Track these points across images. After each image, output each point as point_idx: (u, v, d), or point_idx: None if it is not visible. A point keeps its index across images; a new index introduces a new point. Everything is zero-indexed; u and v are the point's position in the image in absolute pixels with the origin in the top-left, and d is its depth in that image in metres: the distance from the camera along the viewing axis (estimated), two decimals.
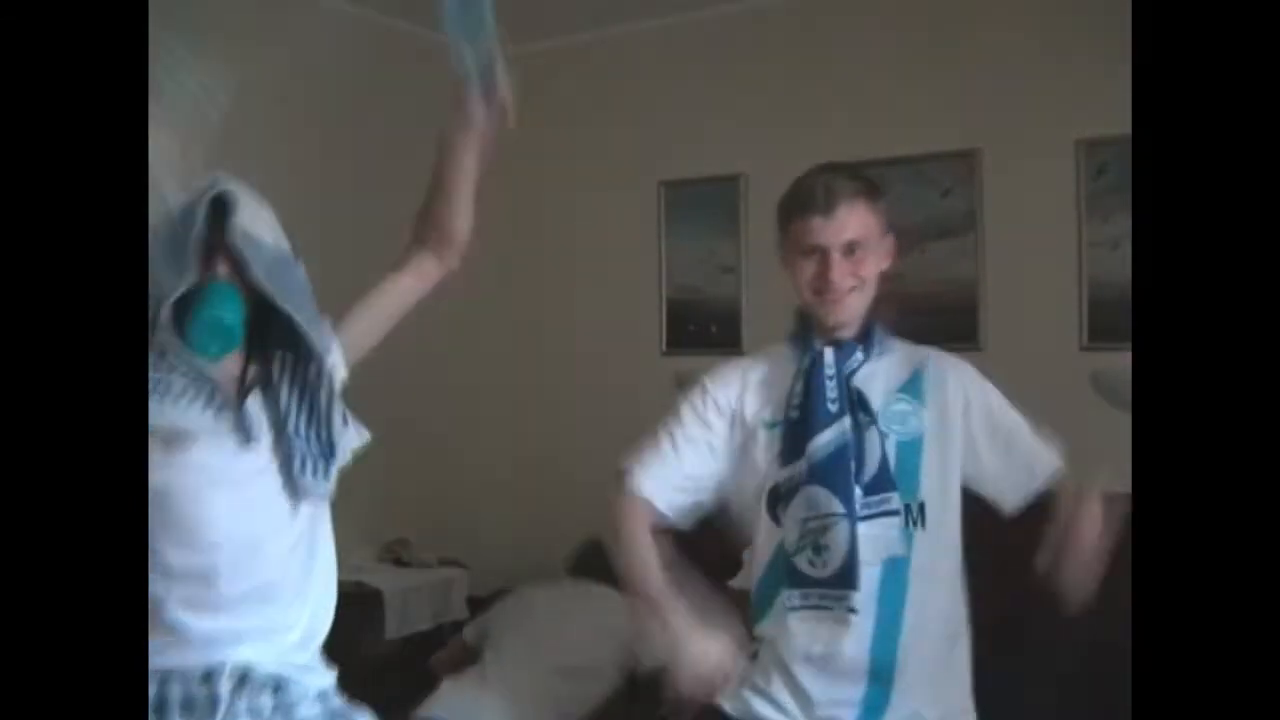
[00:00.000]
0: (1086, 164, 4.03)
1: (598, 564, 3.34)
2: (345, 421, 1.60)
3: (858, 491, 1.83)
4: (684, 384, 5.11)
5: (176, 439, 1.45)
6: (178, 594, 1.47)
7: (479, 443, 5.17)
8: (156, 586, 1.38)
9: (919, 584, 1.90)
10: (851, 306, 1.94)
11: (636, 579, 1.95)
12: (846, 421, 1.85)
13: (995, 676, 3.66)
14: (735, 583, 4.32)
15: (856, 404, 1.88)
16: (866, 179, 2.07)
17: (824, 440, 1.85)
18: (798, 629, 1.89)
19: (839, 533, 1.83)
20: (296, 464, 1.51)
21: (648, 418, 5.40)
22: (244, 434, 1.48)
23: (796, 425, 1.88)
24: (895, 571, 1.87)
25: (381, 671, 3.98)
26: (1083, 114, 3.98)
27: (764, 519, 1.96)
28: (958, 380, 2.04)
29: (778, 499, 1.91)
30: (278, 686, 1.49)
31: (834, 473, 1.84)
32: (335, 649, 4.68)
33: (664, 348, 5.03)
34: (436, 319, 5.16)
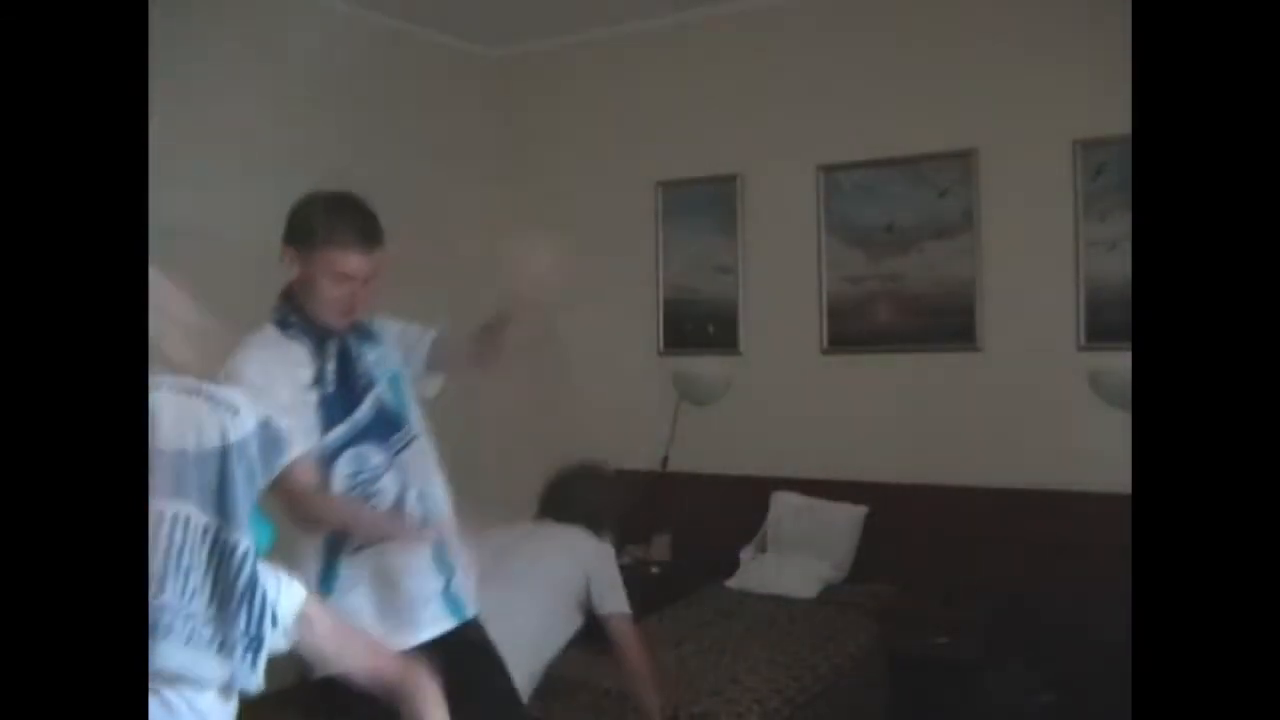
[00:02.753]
0: (1084, 164, 4.04)
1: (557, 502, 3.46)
2: (275, 623, 1.55)
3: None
4: (682, 384, 5.14)
5: None
6: None
7: (478, 443, 5.17)
8: None
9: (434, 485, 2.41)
10: (357, 315, 2.32)
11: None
12: (371, 392, 2.30)
13: (996, 675, 3.69)
14: (733, 583, 4.35)
15: (364, 374, 2.32)
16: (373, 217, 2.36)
17: (361, 408, 2.27)
18: (378, 566, 2.24)
19: (386, 482, 2.27)
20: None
21: (646, 417, 5.43)
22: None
23: (334, 397, 2.25)
24: (427, 484, 2.36)
25: None
26: (1081, 114, 3.99)
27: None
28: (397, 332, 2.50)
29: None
30: None
31: (375, 432, 2.28)
32: None
33: (661, 348, 5.04)
34: (437, 318, 5.16)
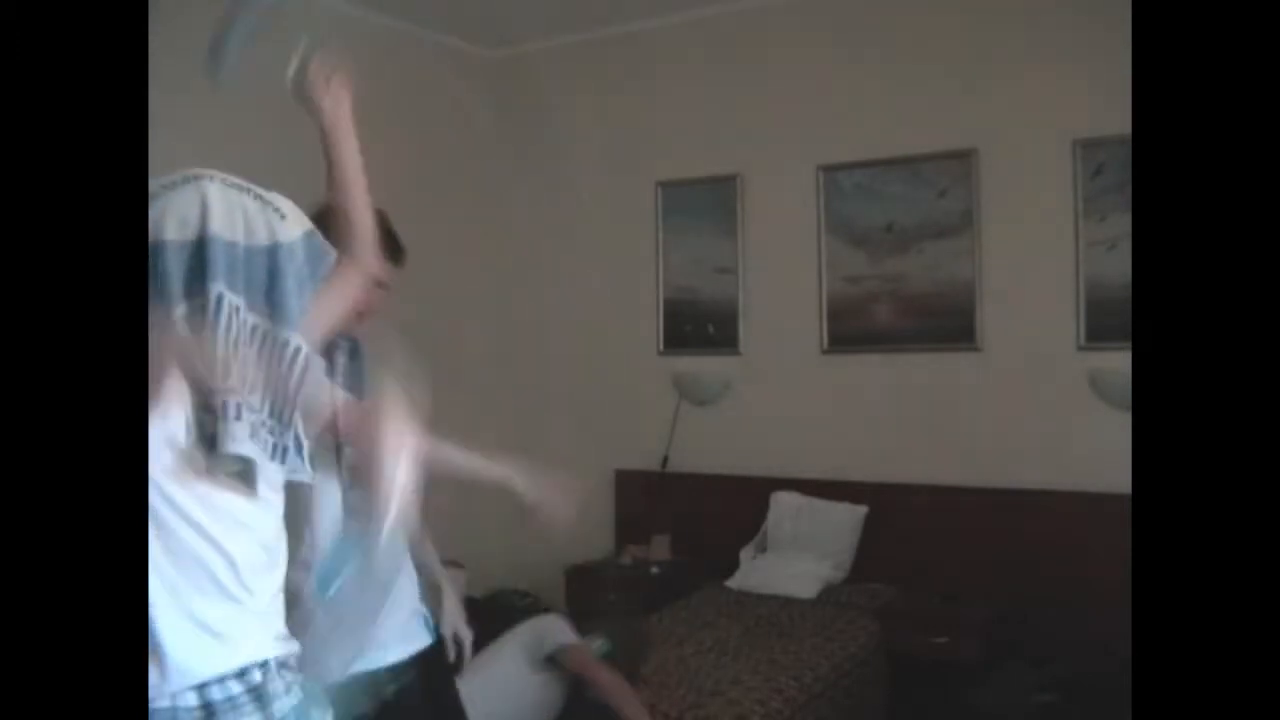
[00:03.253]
0: (1084, 164, 4.03)
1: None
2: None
3: None
4: (682, 384, 5.14)
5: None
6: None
7: (477, 443, 5.16)
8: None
9: None
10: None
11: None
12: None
13: (996, 675, 3.68)
14: (733, 583, 4.35)
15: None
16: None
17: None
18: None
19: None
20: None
21: (646, 417, 5.43)
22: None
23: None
24: None
25: None
26: (1081, 114, 3.98)
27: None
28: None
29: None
30: (280, 668, 1.51)
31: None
32: None
33: (661, 347, 5.04)
34: (436, 319, 5.16)
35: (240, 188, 1.46)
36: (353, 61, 1.87)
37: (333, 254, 1.54)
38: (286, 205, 1.50)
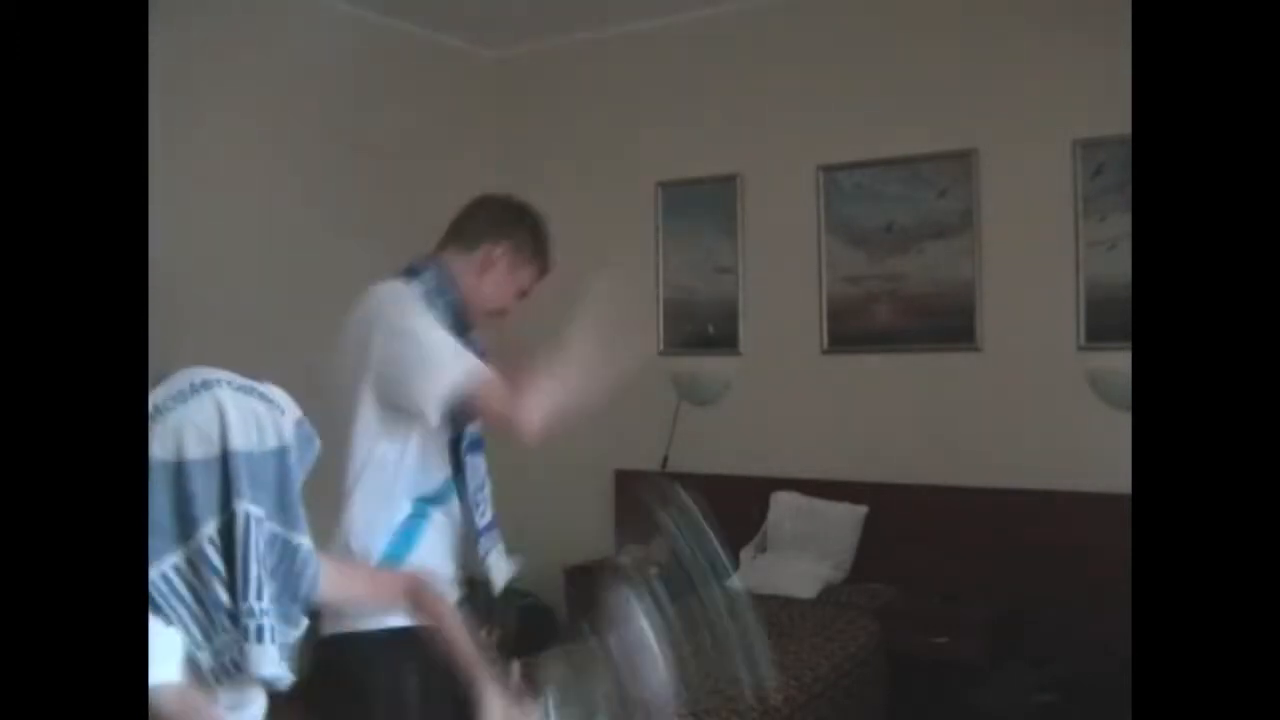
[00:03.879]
0: (1084, 164, 4.03)
1: None
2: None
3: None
4: (682, 384, 5.13)
5: None
6: None
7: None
8: None
9: None
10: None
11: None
12: None
13: (996, 675, 3.68)
14: (732, 583, 4.33)
15: None
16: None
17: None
18: (497, 565, 2.30)
19: (488, 489, 2.33)
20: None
21: (645, 417, 5.43)
22: None
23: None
24: None
25: None
26: (1081, 114, 3.98)
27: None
28: None
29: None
30: None
31: (481, 439, 2.30)
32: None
33: (661, 348, 5.04)
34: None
35: (247, 389, 1.43)
36: None
37: (317, 440, 1.51)
38: (280, 396, 1.47)
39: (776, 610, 3.98)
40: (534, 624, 4.64)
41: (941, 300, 4.34)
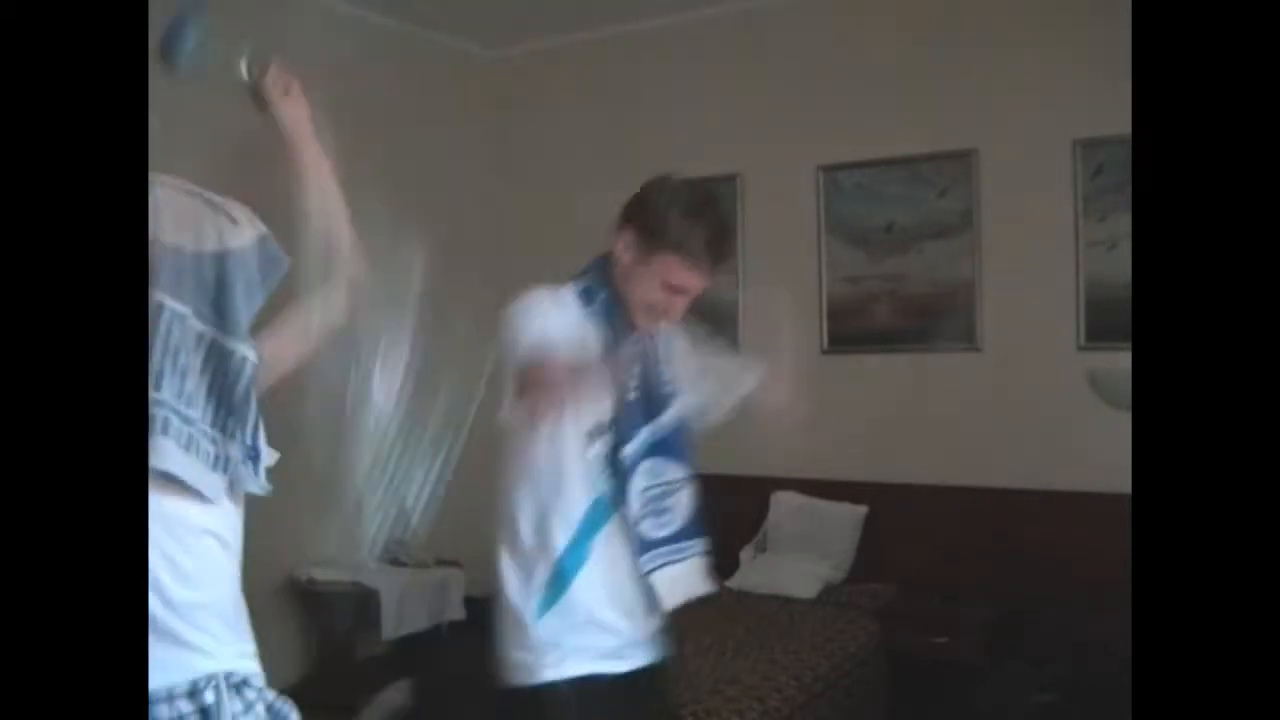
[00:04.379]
0: (1084, 164, 4.03)
1: None
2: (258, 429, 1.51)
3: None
4: None
5: None
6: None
7: (477, 442, 5.16)
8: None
9: None
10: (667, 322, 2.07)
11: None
12: (677, 402, 2.11)
13: (996, 675, 3.68)
14: (733, 583, 4.34)
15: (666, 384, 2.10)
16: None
17: (667, 417, 2.10)
18: (660, 587, 2.05)
19: (682, 497, 2.14)
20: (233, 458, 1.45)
21: None
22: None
23: (635, 405, 2.04)
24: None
25: (379, 671, 3.98)
26: (1080, 114, 3.98)
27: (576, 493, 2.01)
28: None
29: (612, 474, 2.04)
30: (240, 688, 1.45)
31: (676, 445, 2.13)
32: (333, 649, 4.69)
33: None
34: (436, 318, 5.16)
35: (192, 192, 1.43)
36: (304, 67, 1.79)
37: (286, 261, 1.51)
38: (240, 210, 1.48)
39: (776, 610, 3.98)
40: None
41: (941, 300, 4.34)
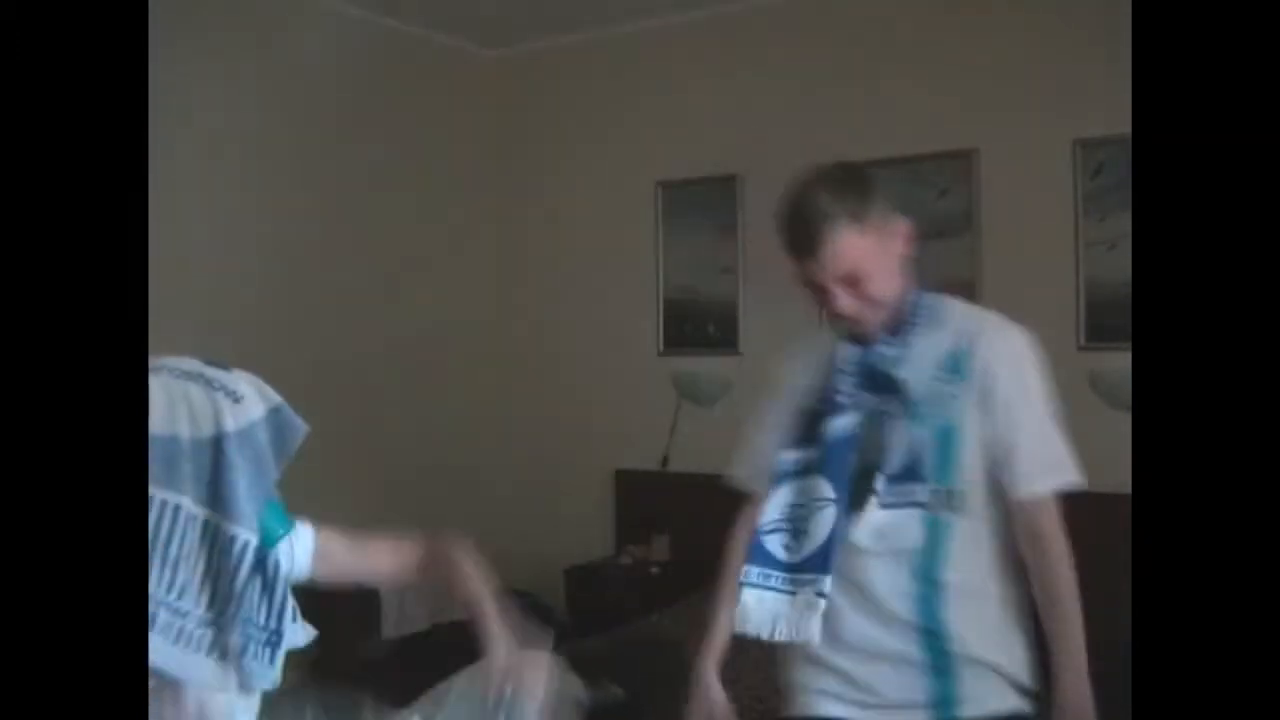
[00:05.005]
0: (1084, 164, 4.03)
1: None
2: (295, 617, 1.49)
3: (881, 480, 1.80)
4: (682, 384, 5.13)
5: None
6: None
7: (477, 442, 5.17)
8: None
9: (945, 572, 1.83)
10: (866, 317, 1.87)
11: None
12: (855, 416, 1.85)
13: None
14: None
15: (885, 392, 1.84)
16: (848, 196, 1.87)
17: (831, 431, 1.87)
18: (750, 606, 1.92)
19: (823, 519, 1.83)
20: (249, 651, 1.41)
21: (645, 417, 5.42)
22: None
23: (809, 415, 1.91)
24: (909, 561, 1.82)
25: (379, 671, 3.98)
26: (1080, 114, 3.98)
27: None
28: (993, 358, 1.91)
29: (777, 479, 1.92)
30: None
31: (835, 463, 1.84)
32: (333, 649, 4.67)
33: (661, 348, 5.03)
34: (436, 318, 5.16)
35: (190, 375, 1.40)
36: None
37: (303, 428, 1.46)
38: (246, 385, 1.43)
39: None
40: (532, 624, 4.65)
41: None
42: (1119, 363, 3.79)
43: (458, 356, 5.18)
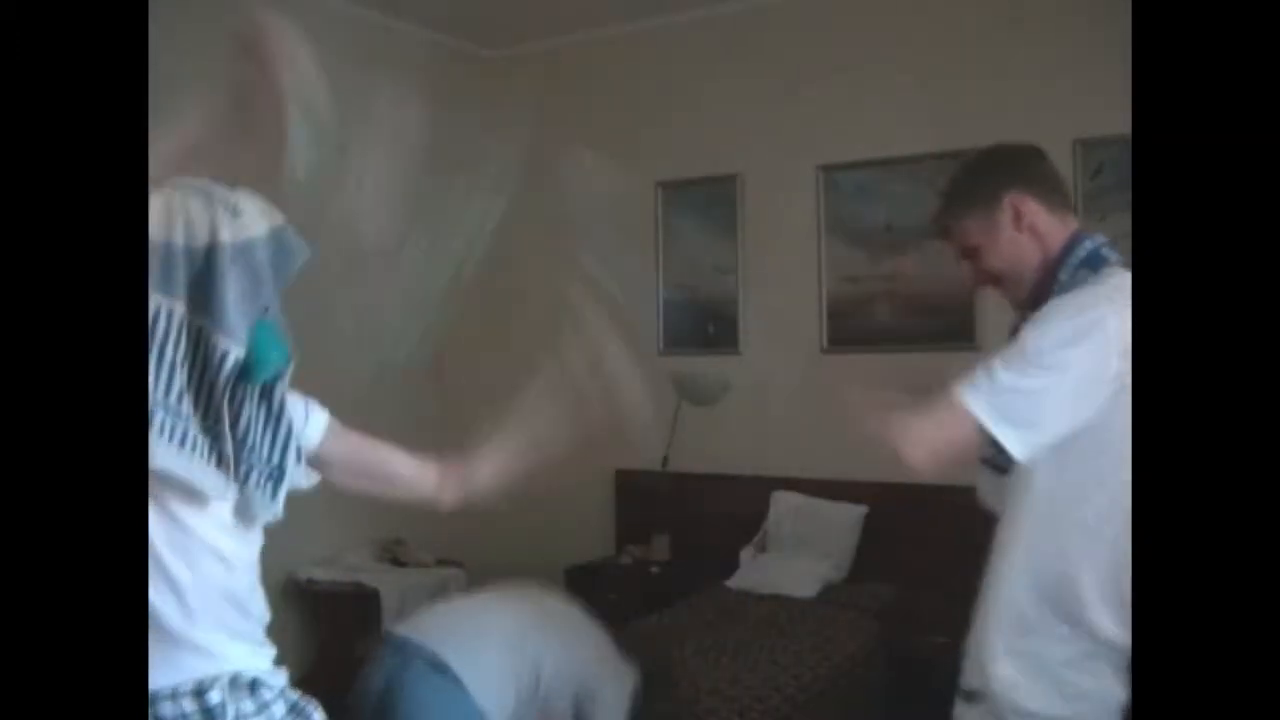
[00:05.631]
0: (1084, 164, 4.03)
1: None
2: (299, 459, 1.52)
3: None
4: (682, 384, 5.13)
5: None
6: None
7: (476, 442, 5.16)
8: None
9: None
10: (1006, 290, 2.04)
11: None
12: None
13: None
14: (733, 583, 4.34)
15: None
16: (963, 179, 2.01)
17: None
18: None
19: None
20: (252, 481, 1.43)
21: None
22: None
23: None
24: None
25: None
26: (1081, 114, 3.98)
27: None
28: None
29: None
30: (253, 688, 1.45)
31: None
32: (333, 649, 4.68)
33: (661, 347, 5.03)
34: (433, 316, 5.14)
35: (193, 190, 1.42)
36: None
37: (304, 251, 1.49)
38: (247, 202, 1.46)
39: (776, 610, 3.98)
40: None
41: (941, 300, 4.34)
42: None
43: (455, 356, 5.18)
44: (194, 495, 1.39)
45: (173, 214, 1.39)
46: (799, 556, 4.30)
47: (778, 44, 4.70)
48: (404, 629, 2.63)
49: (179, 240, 1.39)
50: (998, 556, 1.83)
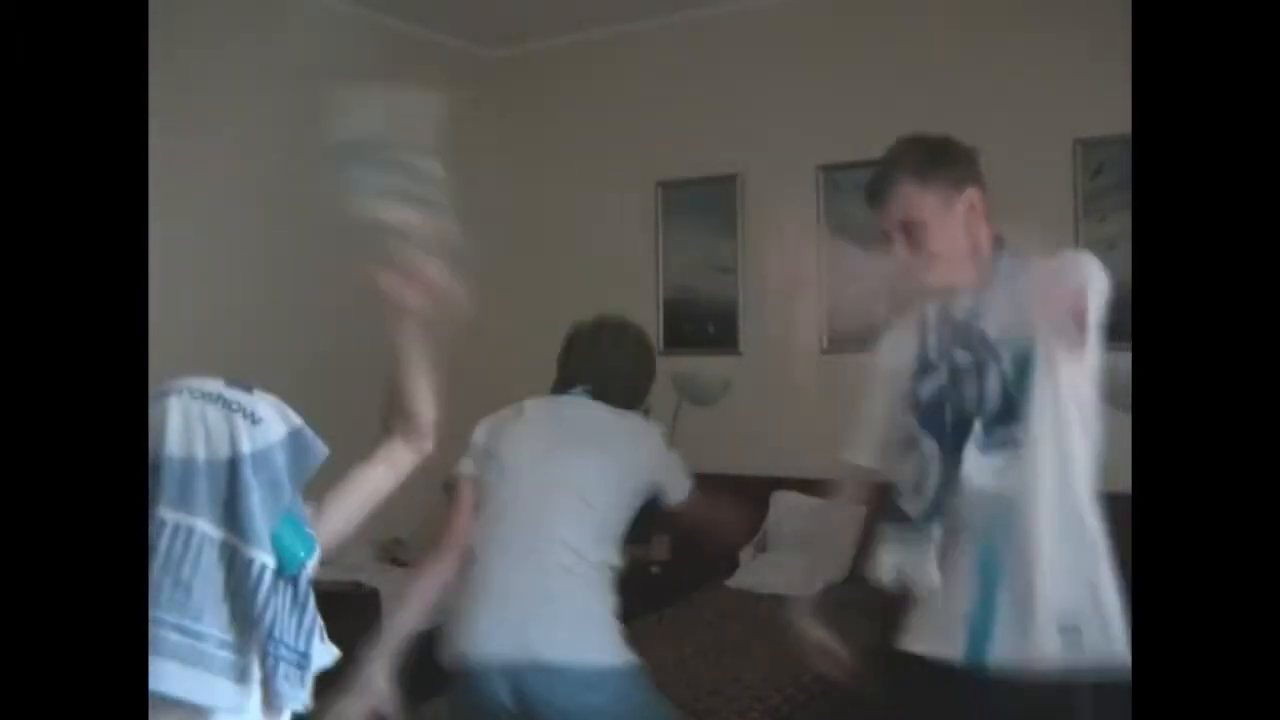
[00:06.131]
0: (1084, 164, 4.03)
1: None
2: (322, 637, 1.51)
3: (977, 428, 1.89)
4: (682, 384, 5.12)
5: None
6: None
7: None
8: None
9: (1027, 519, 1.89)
10: (938, 274, 1.99)
11: None
12: (943, 371, 1.96)
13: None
14: (733, 583, 4.34)
15: (969, 344, 1.94)
16: (919, 155, 2.13)
17: (922, 391, 1.98)
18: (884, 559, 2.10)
19: (930, 472, 1.99)
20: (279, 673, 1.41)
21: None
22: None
23: (909, 381, 2.03)
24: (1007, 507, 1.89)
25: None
26: (1080, 113, 3.98)
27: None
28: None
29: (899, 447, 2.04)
30: None
31: (931, 421, 1.97)
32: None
33: (661, 347, 5.03)
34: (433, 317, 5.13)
35: (209, 397, 1.38)
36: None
37: (322, 451, 1.46)
38: (266, 407, 1.42)
39: (776, 610, 3.98)
40: None
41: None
42: (1119, 363, 3.79)
43: (456, 356, 5.17)
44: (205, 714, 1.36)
45: (191, 426, 1.35)
46: (799, 556, 4.30)
47: (778, 44, 4.70)
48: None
49: (199, 454, 1.35)
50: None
